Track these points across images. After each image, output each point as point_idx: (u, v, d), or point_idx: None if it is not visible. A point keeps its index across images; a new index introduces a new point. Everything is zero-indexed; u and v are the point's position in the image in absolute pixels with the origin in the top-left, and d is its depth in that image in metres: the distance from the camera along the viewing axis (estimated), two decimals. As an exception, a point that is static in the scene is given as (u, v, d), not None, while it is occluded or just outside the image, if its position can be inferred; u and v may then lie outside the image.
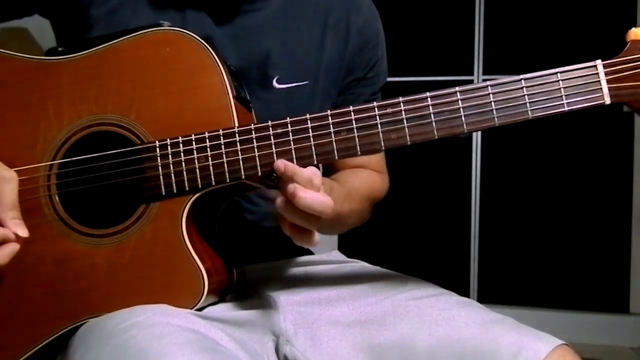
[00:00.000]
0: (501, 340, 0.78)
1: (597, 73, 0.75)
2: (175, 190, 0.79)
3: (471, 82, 2.99)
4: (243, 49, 0.92)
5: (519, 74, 0.75)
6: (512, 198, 3.03)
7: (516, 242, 3.03)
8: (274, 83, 0.95)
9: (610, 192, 2.93)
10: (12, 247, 0.74)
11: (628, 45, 0.75)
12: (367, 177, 1.05)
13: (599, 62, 0.75)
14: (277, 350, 0.88)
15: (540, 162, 2.99)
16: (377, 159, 1.10)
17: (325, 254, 1.06)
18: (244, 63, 0.90)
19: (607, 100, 0.74)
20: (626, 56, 0.74)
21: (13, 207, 0.76)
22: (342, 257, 1.07)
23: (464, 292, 2.28)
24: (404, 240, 3.11)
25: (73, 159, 0.81)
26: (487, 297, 2.97)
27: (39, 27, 1.03)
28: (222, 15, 0.93)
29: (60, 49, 0.85)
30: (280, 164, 0.76)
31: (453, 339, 0.80)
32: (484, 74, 3.01)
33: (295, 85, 0.96)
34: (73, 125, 0.82)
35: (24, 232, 0.75)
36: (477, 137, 3.02)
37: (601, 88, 0.75)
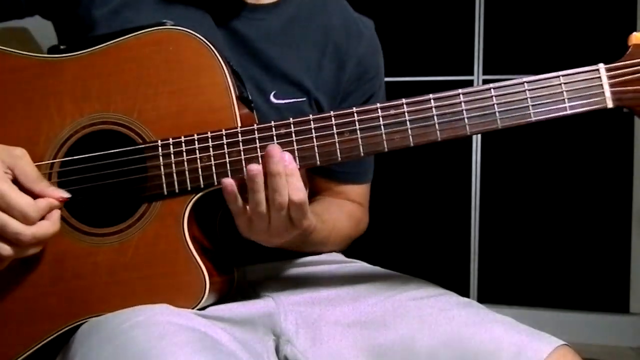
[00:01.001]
0: (502, 341, 0.78)
1: (600, 77, 0.75)
2: (177, 190, 0.79)
3: (471, 82, 2.99)
4: (242, 59, 0.92)
5: (519, 74, 0.76)
6: (512, 198, 3.03)
7: (516, 242, 3.02)
8: (271, 97, 0.95)
9: (610, 192, 2.92)
10: (58, 212, 0.78)
11: (630, 50, 0.75)
12: (352, 217, 1.05)
13: (601, 65, 0.75)
14: (277, 350, 0.88)
15: (540, 162, 2.99)
16: (363, 190, 1.09)
17: (325, 254, 1.06)
18: (242, 73, 0.89)
19: (610, 104, 0.74)
20: (628, 60, 0.74)
21: (41, 177, 0.78)
22: (342, 257, 1.07)
23: (464, 292, 2.28)
24: (404, 240, 3.10)
25: (75, 157, 0.81)
26: (487, 297, 2.97)
27: (39, 27, 1.02)
28: (223, 17, 0.93)
29: (62, 47, 0.85)
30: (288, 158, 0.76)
31: (453, 339, 0.81)
32: (484, 74, 3.00)
33: (293, 101, 0.96)
34: (75, 123, 0.82)
35: (64, 194, 0.79)
36: (477, 137, 3.02)
37: (603, 92, 0.75)
